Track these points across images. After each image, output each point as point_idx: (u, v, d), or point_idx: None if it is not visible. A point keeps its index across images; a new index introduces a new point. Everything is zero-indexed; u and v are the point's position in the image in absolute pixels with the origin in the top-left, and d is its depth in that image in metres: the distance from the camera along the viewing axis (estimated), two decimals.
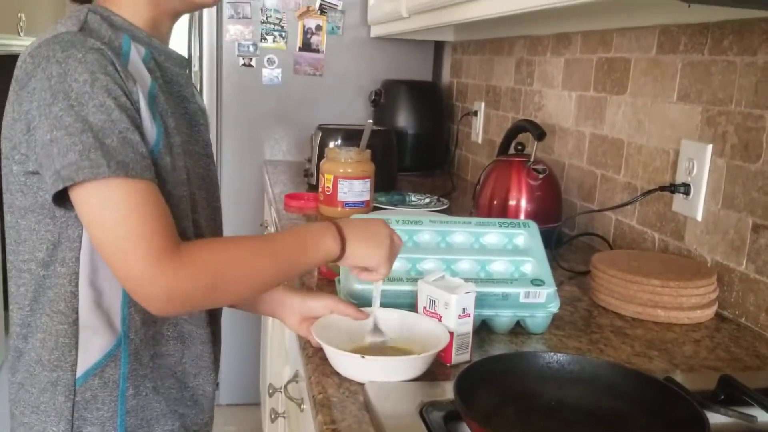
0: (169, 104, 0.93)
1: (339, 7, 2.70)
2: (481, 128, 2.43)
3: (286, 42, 2.69)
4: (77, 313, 0.90)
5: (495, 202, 1.60)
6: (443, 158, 2.71)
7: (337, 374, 0.92)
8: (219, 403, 2.94)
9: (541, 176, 1.57)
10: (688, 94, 1.34)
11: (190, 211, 0.95)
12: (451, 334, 0.94)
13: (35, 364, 0.92)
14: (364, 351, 0.96)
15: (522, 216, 1.57)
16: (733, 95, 1.22)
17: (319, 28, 2.70)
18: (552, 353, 0.88)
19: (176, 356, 0.99)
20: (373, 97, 2.69)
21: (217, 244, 0.88)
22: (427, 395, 0.85)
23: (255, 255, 0.87)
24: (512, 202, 1.58)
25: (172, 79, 0.98)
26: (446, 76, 2.87)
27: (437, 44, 2.88)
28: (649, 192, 1.41)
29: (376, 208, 1.84)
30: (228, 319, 3.09)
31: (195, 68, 2.79)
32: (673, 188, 1.35)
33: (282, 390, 1.37)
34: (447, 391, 0.85)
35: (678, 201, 1.36)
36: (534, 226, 1.17)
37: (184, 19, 2.13)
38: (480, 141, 2.44)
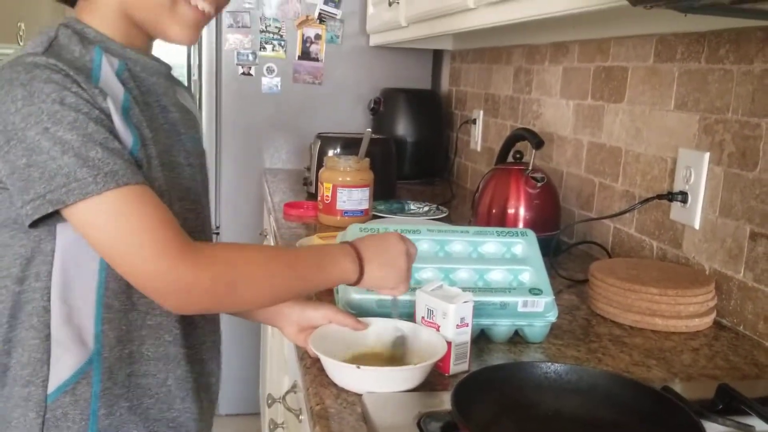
0: (144, 115, 0.91)
1: (338, 16, 2.71)
2: (479, 136, 2.44)
3: (285, 51, 2.70)
4: (49, 328, 0.89)
5: (494, 210, 1.60)
6: (442, 166, 2.71)
7: (335, 385, 0.91)
8: (218, 413, 2.93)
9: (539, 184, 1.57)
10: (686, 102, 1.34)
11: None
12: (449, 343, 0.94)
13: (12, 380, 0.90)
14: (364, 361, 0.95)
15: (520, 224, 1.57)
16: (730, 103, 1.22)
17: (318, 36, 2.71)
18: (550, 363, 0.87)
19: (159, 377, 0.96)
20: (372, 105, 2.70)
21: (236, 246, 0.87)
22: (424, 406, 0.84)
23: (272, 261, 0.87)
24: (511, 210, 1.58)
25: (149, 89, 0.96)
26: (445, 85, 2.88)
27: (436, 53, 2.89)
28: (647, 200, 1.41)
29: (375, 217, 1.84)
30: (227, 329, 3.07)
31: (194, 77, 2.80)
32: (670, 196, 1.35)
33: (281, 400, 1.36)
34: (445, 401, 0.84)
35: (676, 209, 1.36)
36: (532, 235, 1.17)
37: None
38: (479, 149, 2.45)
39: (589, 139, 1.69)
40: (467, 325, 0.96)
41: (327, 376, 0.93)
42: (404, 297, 1.04)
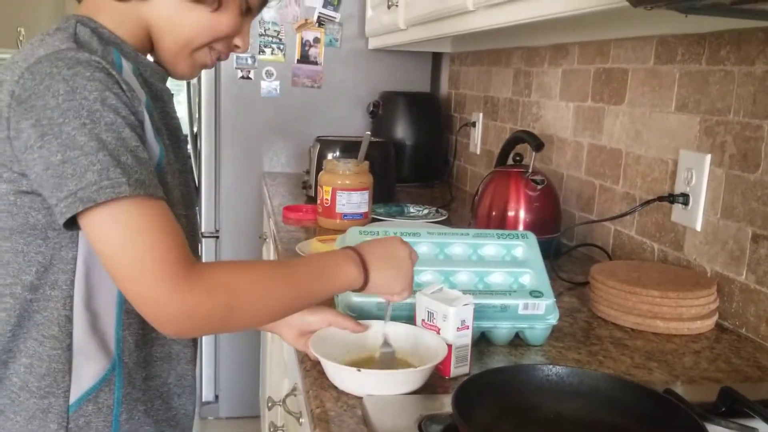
0: (161, 122, 0.91)
1: (337, 20, 2.71)
2: (479, 139, 2.43)
3: (284, 54, 2.70)
4: (71, 337, 0.87)
5: (493, 212, 1.60)
6: (442, 169, 2.71)
7: (335, 388, 0.91)
8: (218, 416, 2.93)
9: (539, 187, 1.56)
10: (686, 104, 1.34)
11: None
12: (450, 346, 0.93)
13: (20, 391, 0.88)
14: (364, 364, 0.95)
15: (520, 227, 1.56)
16: (731, 105, 1.22)
17: (317, 40, 2.71)
18: (551, 366, 0.87)
19: (163, 377, 0.97)
20: (371, 108, 2.69)
21: (235, 266, 0.84)
22: (425, 409, 0.84)
23: (273, 280, 0.85)
24: (511, 213, 1.57)
25: (157, 95, 0.96)
26: (444, 87, 2.87)
27: (435, 55, 2.89)
28: (648, 202, 1.40)
29: (374, 220, 1.84)
30: (228, 333, 3.02)
31: (193, 81, 2.80)
32: (671, 198, 1.35)
33: (281, 403, 1.36)
34: (446, 404, 0.84)
35: (677, 211, 1.35)
36: (532, 237, 1.17)
37: None
38: (478, 152, 2.44)
39: (589, 141, 1.69)
40: (468, 328, 0.95)
41: (327, 378, 0.92)
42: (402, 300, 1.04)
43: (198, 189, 2.80)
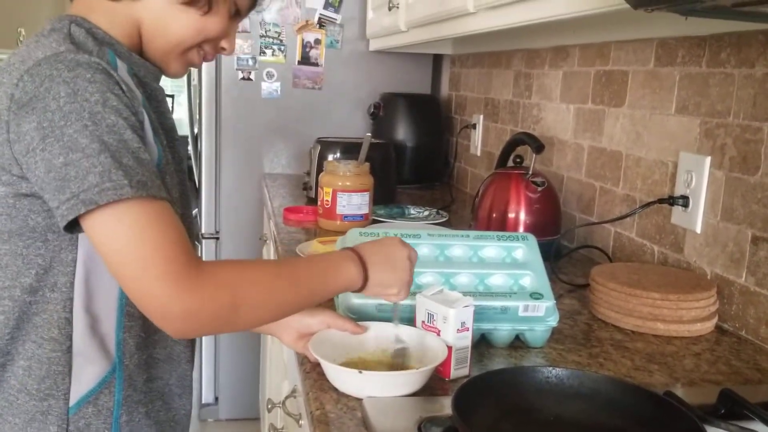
0: (155, 121, 0.91)
1: (338, 21, 2.71)
2: (479, 141, 2.43)
3: (285, 55, 2.70)
4: (71, 339, 0.87)
5: (494, 214, 1.60)
6: (442, 171, 2.71)
7: (335, 390, 0.91)
8: (218, 417, 2.93)
9: (539, 189, 1.56)
10: (687, 106, 1.34)
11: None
12: (450, 348, 0.93)
13: (18, 393, 0.88)
14: (364, 366, 0.95)
15: (521, 228, 1.56)
16: (731, 107, 1.22)
17: (317, 41, 2.71)
18: (551, 368, 0.87)
19: (165, 378, 0.97)
20: (372, 110, 2.69)
21: (239, 265, 0.84)
22: (425, 411, 0.84)
23: (276, 278, 0.85)
24: (511, 215, 1.57)
25: (152, 95, 0.96)
26: (445, 89, 2.88)
27: (436, 57, 2.89)
28: (648, 204, 1.40)
29: (375, 221, 1.84)
30: (228, 334, 3.05)
31: (194, 82, 2.80)
32: (671, 200, 1.35)
33: (281, 405, 1.36)
34: (446, 406, 0.84)
35: (677, 213, 1.35)
36: (532, 239, 1.17)
37: None
38: (479, 153, 2.44)
39: (589, 143, 1.69)
40: (468, 330, 0.95)
41: (327, 380, 0.92)
42: (405, 302, 1.04)
43: (198, 190, 2.80)
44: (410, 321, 1.01)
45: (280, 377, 1.78)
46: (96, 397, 0.89)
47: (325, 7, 2.69)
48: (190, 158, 3.13)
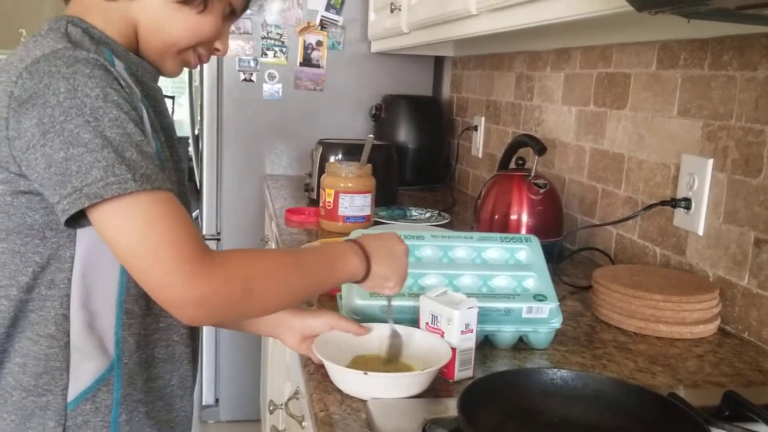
0: (153, 119, 0.92)
1: (339, 23, 2.71)
2: (481, 143, 2.44)
3: (286, 57, 2.70)
4: (69, 336, 0.88)
5: (496, 216, 1.60)
6: (444, 173, 2.71)
7: (339, 391, 0.91)
8: (219, 419, 2.93)
9: (542, 191, 1.57)
10: (689, 108, 1.34)
11: None
12: (454, 350, 0.94)
13: (12, 390, 0.88)
14: (367, 366, 0.95)
15: (523, 230, 1.57)
16: (733, 110, 1.22)
17: (319, 43, 2.71)
18: (555, 369, 0.87)
19: (166, 378, 0.97)
20: (374, 111, 2.70)
21: (248, 253, 0.85)
22: (430, 412, 0.84)
23: (285, 266, 0.86)
24: (513, 217, 1.58)
25: (149, 94, 0.96)
26: (446, 91, 2.88)
27: (437, 59, 2.89)
28: (650, 206, 1.41)
29: (377, 223, 1.84)
30: (229, 335, 3.06)
31: (196, 83, 2.80)
32: (674, 203, 1.35)
33: (283, 407, 1.36)
34: (450, 407, 0.84)
35: (679, 215, 1.36)
36: (535, 241, 1.17)
37: None
38: (480, 155, 2.45)
39: (591, 145, 1.69)
40: (472, 331, 0.95)
41: (331, 382, 0.93)
42: (406, 303, 1.04)
43: (200, 191, 2.80)
44: (413, 322, 1.01)
45: (282, 379, 1.78)
46: (94, 394, 0.89)
47: (327, 9, 2.69)
48: (191, 159, 3.13)
